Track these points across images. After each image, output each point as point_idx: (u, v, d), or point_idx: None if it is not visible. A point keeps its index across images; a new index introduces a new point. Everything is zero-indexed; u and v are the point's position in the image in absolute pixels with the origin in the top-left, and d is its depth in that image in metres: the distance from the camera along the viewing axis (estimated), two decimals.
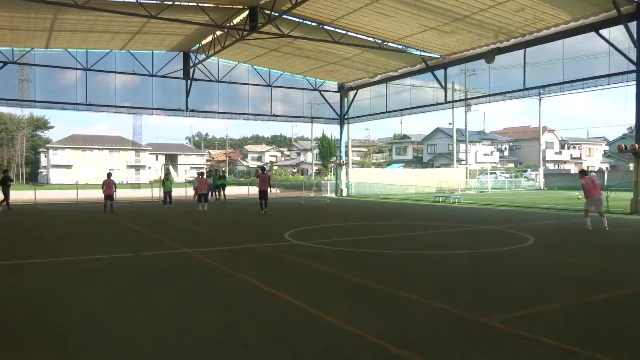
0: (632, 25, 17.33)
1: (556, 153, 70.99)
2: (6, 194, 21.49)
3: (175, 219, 17.80)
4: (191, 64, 28.49)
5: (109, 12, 18.33)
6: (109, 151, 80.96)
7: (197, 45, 27.35)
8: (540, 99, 46.44)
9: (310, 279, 7.70)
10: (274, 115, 32.20)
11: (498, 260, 9.33)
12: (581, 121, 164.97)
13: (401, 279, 7.62)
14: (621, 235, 12.55)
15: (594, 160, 74.26)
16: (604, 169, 66.36)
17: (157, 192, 30.47)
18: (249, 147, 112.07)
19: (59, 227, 15.59)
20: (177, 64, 28.56)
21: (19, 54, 25.36)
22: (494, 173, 55.94)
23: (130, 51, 27.23)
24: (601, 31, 18.57)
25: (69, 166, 77.66)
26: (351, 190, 34.45)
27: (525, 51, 21.91)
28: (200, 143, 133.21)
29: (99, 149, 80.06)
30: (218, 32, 24.40)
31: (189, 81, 29.04)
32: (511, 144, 72.13)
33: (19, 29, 21.79)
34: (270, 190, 21.85)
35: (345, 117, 33.92)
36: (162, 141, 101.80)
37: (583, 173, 13.99)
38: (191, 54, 28.54)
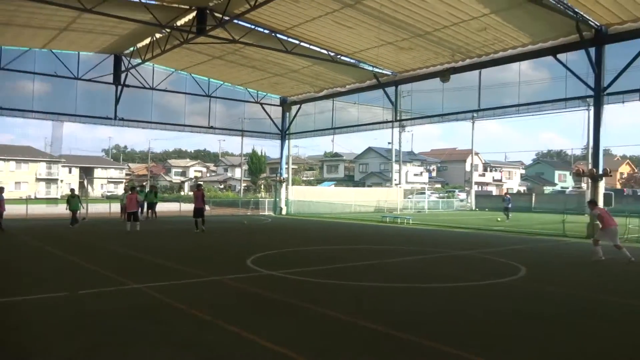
0: (591, 50, 17.40)
1: (480, 175, 73.54)
2: None
3: (106, 241, 15.39)
4: (123, 69, 25.92)
5: (37, 0, 15.78)
6: (15, 162, 73.82)
7: (132, 49, 24.91)
8: (473, 123, 47.59)
9: (312, 325, 6.12)
10: (212, 127, 30.13)
11: (514, 294, 8.22)
12: (497, 145, 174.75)
13: (431, 325, 6.24)
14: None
15: (513, 182, 77.84)
16: (522, 192, 69.72)
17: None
18: (172, 161, 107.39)
19: None
20: (106, 68, 25.87)
21: None
22: (424, 193, 56.74)
23: (53, 50, 24.26)
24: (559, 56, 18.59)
25: None
26: (290, 209, 32.92)
27: (480, 72, 21.70)
28: (119, 156, 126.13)
29: (4, 159, 72.73)
30: (157, 35, 22.27)
31: (119, 87, 26.38)
32: (439, 165, 73.93)
33: None
34: (205, 208, 20.11)
35: (287, 132, 32.51)
36: (77, 153, 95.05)
37: (594, 203, 13.21)
38: (123, 57, 25.99)
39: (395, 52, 21.93)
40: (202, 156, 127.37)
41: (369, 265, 11.18)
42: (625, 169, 79.61)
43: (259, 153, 79.60)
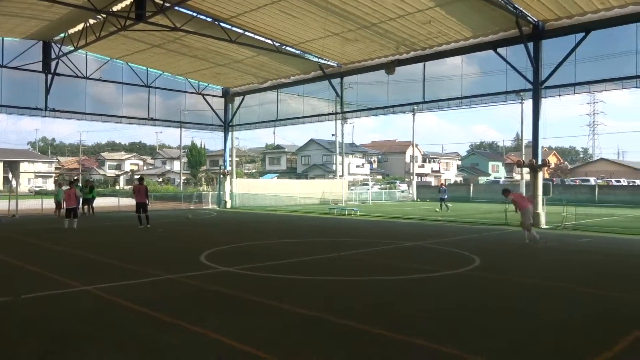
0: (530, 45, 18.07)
1: (420, 166, 75.44)
2: None
3: (43, 240, 14.40)
4: (53, 56, 24.34)
5: None
6: None
7: (62, 35, 23.43)
8: (414, 115, 48.59)
9: (280, 322, 5.92)
10: (152, 119, 28.97)
11: (476, 285, 8.36)
12: (435, 137, 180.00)
13: (394, 316, 6.20)
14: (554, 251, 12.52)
15: (450, 173, 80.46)
16: (459, 182, 72.24)
17: (6, 205, 25.56)
18: (106, 155, 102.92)
19: None
20: (33, 55, 24.18)
21: None
22: (366, 184, 57.53)
23: None
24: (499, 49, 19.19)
25: None
26: (235, 202, 32.33)
27: (425, 64, 22.07)
28: (47, 149, 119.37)
29: None
30: (92, 20, 21.02)
31: (49, 76, 24.77)
32: (380, 156, 75.16)
33: None
34: (149, 202, 19.33)
35: (230, 124, 31.82)
36: (0, 146, 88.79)
37: (507, 191, 13.86)
38: (53, 44, 24.41)
39: (341, 43, 21.88)
40: (137, 149, 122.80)
41: (325, 259, 11.07)
42: (552, 160, 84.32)
43: (199, 145, 77.85)
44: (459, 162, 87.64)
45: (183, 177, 73.82)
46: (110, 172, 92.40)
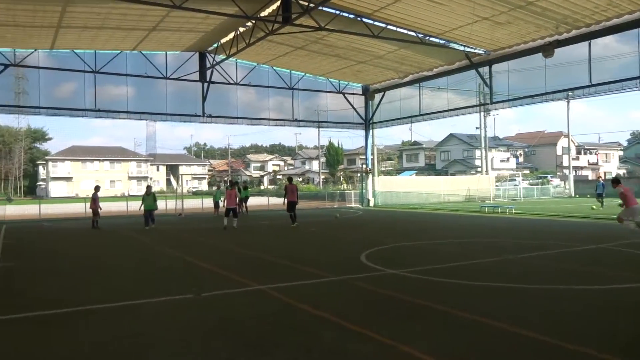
0: None
1: (574, 158, 68.79)
2: None
3: (209, 237, 15.31)
4: (208, 65, 26.14)
5: (129, 0, 15.90)
6: (109, 162, 78.37)
7: (215, 45, 25.03)
8: (568, 102, 44.25)
9: (472, 335, 5.25)
10: (296, 120, 29.82)
11: None
12: (587, 126, 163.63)
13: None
14: None
15: (611, 166, 72.13)
16: (622, 175, 64.33)
17: (172, 204, 28.09)
18: (251, 156, 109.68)
19: (76, 252, 13.07)
20: (191, 66, 26.18)
21: (20, 56, 22.94)
22: (513, 180, 53.80)
23: (143, 52, 24.85)
24: None
25: (68, 178, 75.00)
26: (378, 200, 32.04)
27: (590, 43, 19.65)
28: (200, 153, 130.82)
29: (99, 160, 77.44)
30: (241, 29, 22.07)
31: (205, 84, 26.67)
32: (526, 150, 69.94)
33: (22, 25, 19.37)
34: (297, 202, 19.59)
35: (371, 121, 31.58)
36: (162, 151, 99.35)
37: (617, 182, 13.00)
38: (208, 54, 26.21)
39: (491, 28, 20.32)
40: (277, 150, 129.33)
41: (494, 263, 10.11)
42: None
43: (336, 145, 79.25)
44: (621, 153, 78.20)
45: (322, 176, 75.85)
46: (255, 173, 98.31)
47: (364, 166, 31.94)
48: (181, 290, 7.64)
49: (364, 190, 32.17)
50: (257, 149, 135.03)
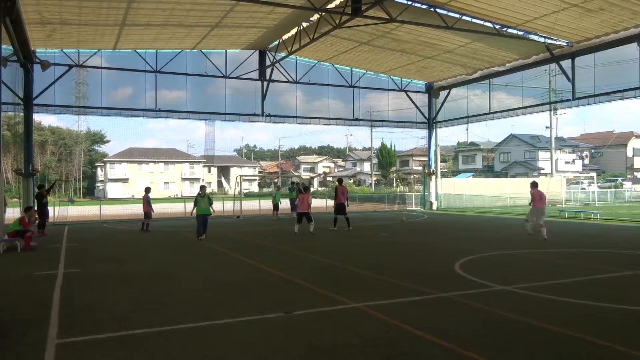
0: None
1: None
2: (42, 215, 17.37)
3: (278, 243, 14.37)
4: (268, 63, 25.41)
5: None
6: (164, 164, 79.73)
7: (276, 42, 24.25)
8: None
9: None
10: (356, 119, 28.68)
11: None
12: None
13: None
14: None
15: None
16: None
17: (227, 206, 27.51)
18: (301, 158, 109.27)
19: (141, 256, 12.40)
20: (250, 65, 25.52)
21: (84, 57, 22.90)
22: (579, 182, 50.67)
23: (203, 50, 24.39)
24: None
25: (125, 180, 76.77)
26: (441, 203, 30.43)
27: None
28: (250, 155, 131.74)
29: (154, 162, 78.90)
30: (304, 24, 21.15)
31: (264, 83, 25.95)
32: (592, 151, 66.03)
33: (87, 23, 19.12)
34: (348, 204, 18.83)
35: (435, 120, 30.03)
36: (211, 154, 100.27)
37: (534, 184, 15.00)
38: (268, 52, 25.49)
39: (579, 16, 18.49)
40: (326, 152, 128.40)
41: (625, 279, 8.60)
42: None
43: (388, 146, 77.53)
44: None
45: (374, 178, 74.35)
46: (305, 175, 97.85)
47: (427, 168, 30.40)
48: (266, 306, 6.63)
49: (426, 193, 30.61)
50: (305, 150, 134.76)
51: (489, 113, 26.54)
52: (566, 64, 22.23)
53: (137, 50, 23.38)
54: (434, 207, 29.91)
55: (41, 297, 7.49)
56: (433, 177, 30.32)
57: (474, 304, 6.69)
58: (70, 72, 22.98)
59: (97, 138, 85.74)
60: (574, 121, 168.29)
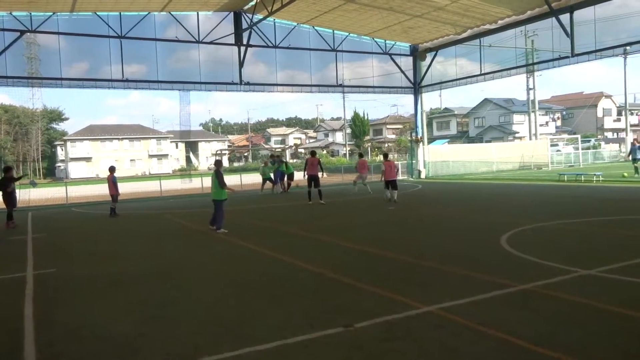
0: None
1: (615, 120, 65.13)
2: (8, 202, 14.34)
3: (278, 223, 12.79)
4: (245, 26, 23.28)
5: None
6: (129, 141, 76.25)
7: (252, 3, 22.12)
8: (625, 58, 40.64)
9: None
10: (340, 85, 26.97)
11: None
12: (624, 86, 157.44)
13: None
14: None
15: None
16: None
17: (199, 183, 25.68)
18: (271, 130, 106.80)
19: (127, 249, 10.62)
20: (225, 28, 23.37)
21: (37, 21, 20.28)
22: (556, 144, 50.59)
23: (172, 12, 22.07)
24: None
25: (88, 159, 73.18)
26: (429, 171, 29.30)
27: None
28: (217, 129, 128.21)
29: (118, 139, 75.33)
30: None
31: (242, 48, 23.84)
32: (564, 113, 66.20)
33: None
34: (323, 175, 18.86)
35: (421, 84, 28.59)
36: (179, 128, 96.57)
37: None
38: (244, 14, 23.34)
39: None
40: (294, 124, 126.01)
41: None
42: None
43: (361, 115, 76.02)
44: None
45: (347, 148, 72.96)
46: (276, 147, 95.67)
47: (414, 135, 29.11)
48: (314, 315, 5.11)
49: (413, 161, 29.40)
50: (274, 122, 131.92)
51: (480, 75, 25.22)
52: (564, 18, 20.94)
53: (98, 13, 20.90)
54: (422, 175, 28.76)
55: (7, 315, 5.75)
56: (420, 144, 29.06)
57: (576, 299, 5.32)
58: (21, 46, 20.43)
59: (55, 116, 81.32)
60: (540, 84, 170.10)
